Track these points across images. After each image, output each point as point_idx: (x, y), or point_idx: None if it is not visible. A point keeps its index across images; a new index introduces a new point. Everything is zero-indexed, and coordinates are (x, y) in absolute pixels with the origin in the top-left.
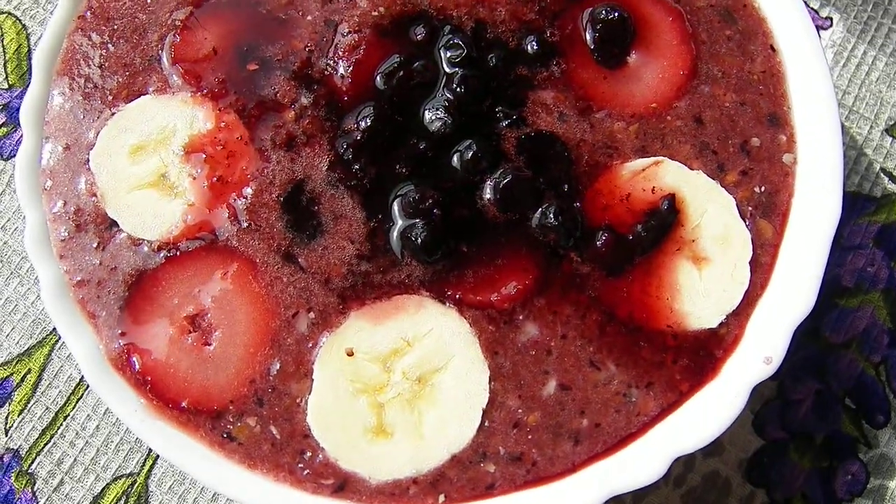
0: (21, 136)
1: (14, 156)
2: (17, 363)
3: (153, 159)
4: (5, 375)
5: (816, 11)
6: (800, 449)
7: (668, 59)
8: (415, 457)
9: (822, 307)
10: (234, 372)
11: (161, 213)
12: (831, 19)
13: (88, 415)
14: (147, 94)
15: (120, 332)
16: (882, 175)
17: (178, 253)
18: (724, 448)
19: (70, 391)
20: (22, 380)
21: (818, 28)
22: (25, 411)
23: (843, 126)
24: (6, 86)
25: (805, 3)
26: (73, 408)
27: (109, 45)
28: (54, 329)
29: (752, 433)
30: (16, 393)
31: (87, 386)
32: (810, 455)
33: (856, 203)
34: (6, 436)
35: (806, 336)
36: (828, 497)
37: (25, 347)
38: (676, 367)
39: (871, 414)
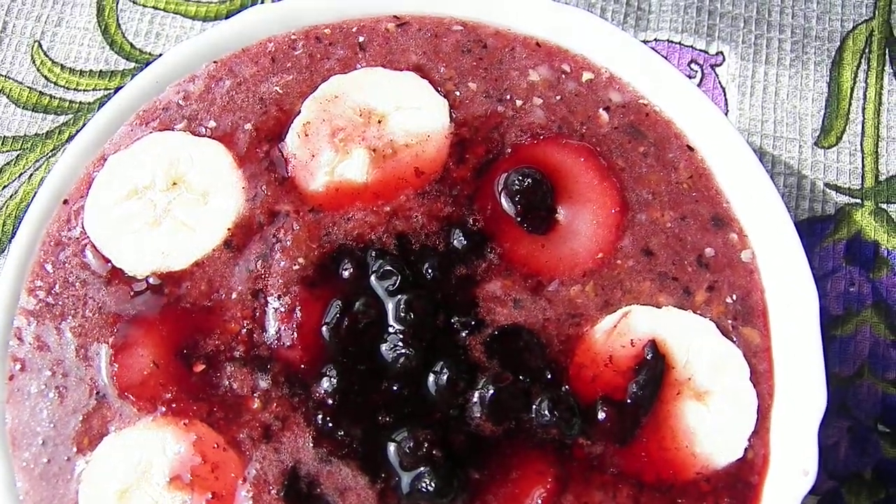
0: None
1: None
2: None
3: (142, 500)
4: None
5: (705, 51)
6: (853, 490)
7: (595, 201)
8: None
9: (823, 345)
10: None
11: None
12: (722, 53)
13: None
14: (109, 433)
15: None
16: (828, 190)
17: None
18: None
19: None
20: None
21: (712, 67)
22: None
23: (773, 156)
24: None
25: (692, 46)
26: None
27: (50, 394)
28: None
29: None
30: None
31: None
32: (865, 493)
33: (813, 228)
34: None
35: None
36: None
37: None
38: None
39: None
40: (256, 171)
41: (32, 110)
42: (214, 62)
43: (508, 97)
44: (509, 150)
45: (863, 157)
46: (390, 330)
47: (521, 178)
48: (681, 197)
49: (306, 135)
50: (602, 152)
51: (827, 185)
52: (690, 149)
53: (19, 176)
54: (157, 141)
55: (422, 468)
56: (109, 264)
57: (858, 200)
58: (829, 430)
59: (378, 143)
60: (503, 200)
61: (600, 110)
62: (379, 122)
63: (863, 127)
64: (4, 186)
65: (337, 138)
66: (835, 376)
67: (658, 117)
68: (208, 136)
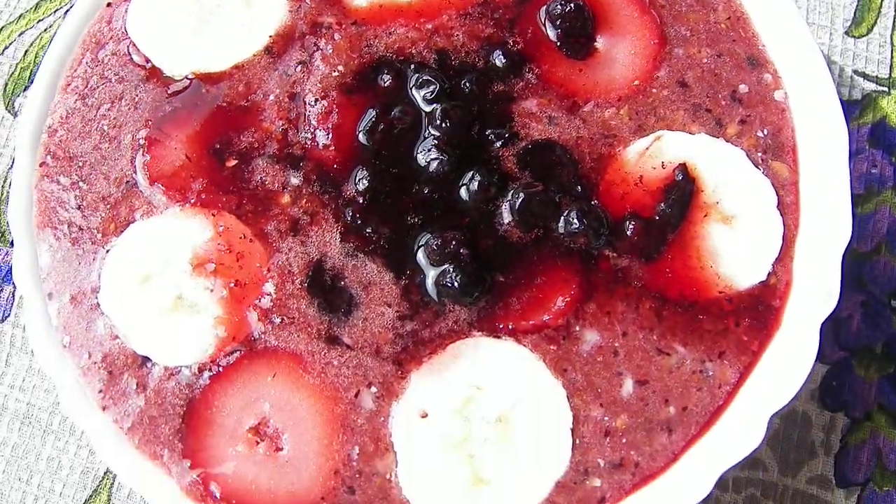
0: (8, 294)
1: (8, 316)
2: None
3: (164, 284)
4: None
5: None
6: (863, 363)
7: (634, 33)
8: (520, 495)
9: None
10: (315, 469)
11: (190, 336)
12: None
13: None
14: (135, 220)
15: (189, 464)
16: (856, 77)
17: (220, 369)
18: None
19: None
20: None
21: None
22: None
23: None
24: None
25: None
26: None
27: (81, 184)
28: (106, 474)
29: (814, 361)
30: None
31: None
32: (875, 366)
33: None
34: None
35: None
36: None
37: (83, 501)
38: (741, 329)
39: None
40: None
41: None
42: None
43: None
44: None
45: (892, 49)
46: (425, 136)
47: (563, 3)
48: (718, 36)
49: None
50: None
51: (855, 71)
52: None
53: (55, 11)
54: None
55: (447, 265)
56: (149, 63)
57: (885, 89)
58: (844, 303)
59: None
60: (545, 26)
61: None
62: None
63: (894, 21)
64: (39, 20)
65: None
66: (853, 251)
67: None
68: None
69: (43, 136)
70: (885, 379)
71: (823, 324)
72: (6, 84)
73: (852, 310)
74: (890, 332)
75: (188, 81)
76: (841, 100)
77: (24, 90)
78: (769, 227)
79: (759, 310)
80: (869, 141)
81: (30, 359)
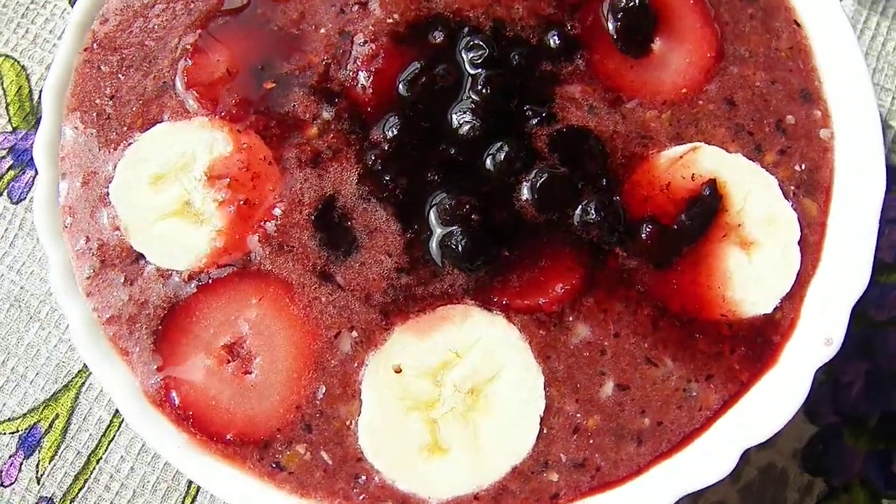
0: (29, 178)
1: (23, 199)
2: (43, 409)
3: (175, 188)
4: (33, 422)
5: None
6: (854, 433)
7: (692, 42)
8: (474, 472)
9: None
10: (278, 399)
11: (189, 242)
12: None
13: (122, 456)
14: (163, 121)
15: (156, 367)
16: None
17: (209, 281)
18: (778, 438)
19: (101, 434)
20: (50, 426)
21: None
22: (57, 457)
23: None
24: (10, 129)
25: None
26: (106, 450)
27: (119, 75)
28: (79, 372)
29: (805, 420)
30: (45, 439)
31: (119, 427)
32: (866, 438)
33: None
34: (38, 484)
35: (851, 316)
36: (888, 480)
37: (51, 392)
38: (735, 356)
39: None
40: None
41: None
42: None
43: None
44: None
45: None
46: (463, 98)
47: None
48: (776, 63)
49: None
50: (711, 2)
51: None
52: (797, 24)
53: None
54: None
55: (456, 227)
56: None
57: None
58: (848, 368)
59: None
60: (606, 17)
61: None
62: None
63: None
64: None
65: None
66: (868, 318)
67: None
68: None
69: (94, 23)
70: (873, 453)
71: (819, 378)
72: None
73: (855, 376)
74: (887, 407)
75: (246, 0)
76: (888, 164)
77: None
78: (786, 262)
79: (758, 342)
80: None
81: (34, 245)
